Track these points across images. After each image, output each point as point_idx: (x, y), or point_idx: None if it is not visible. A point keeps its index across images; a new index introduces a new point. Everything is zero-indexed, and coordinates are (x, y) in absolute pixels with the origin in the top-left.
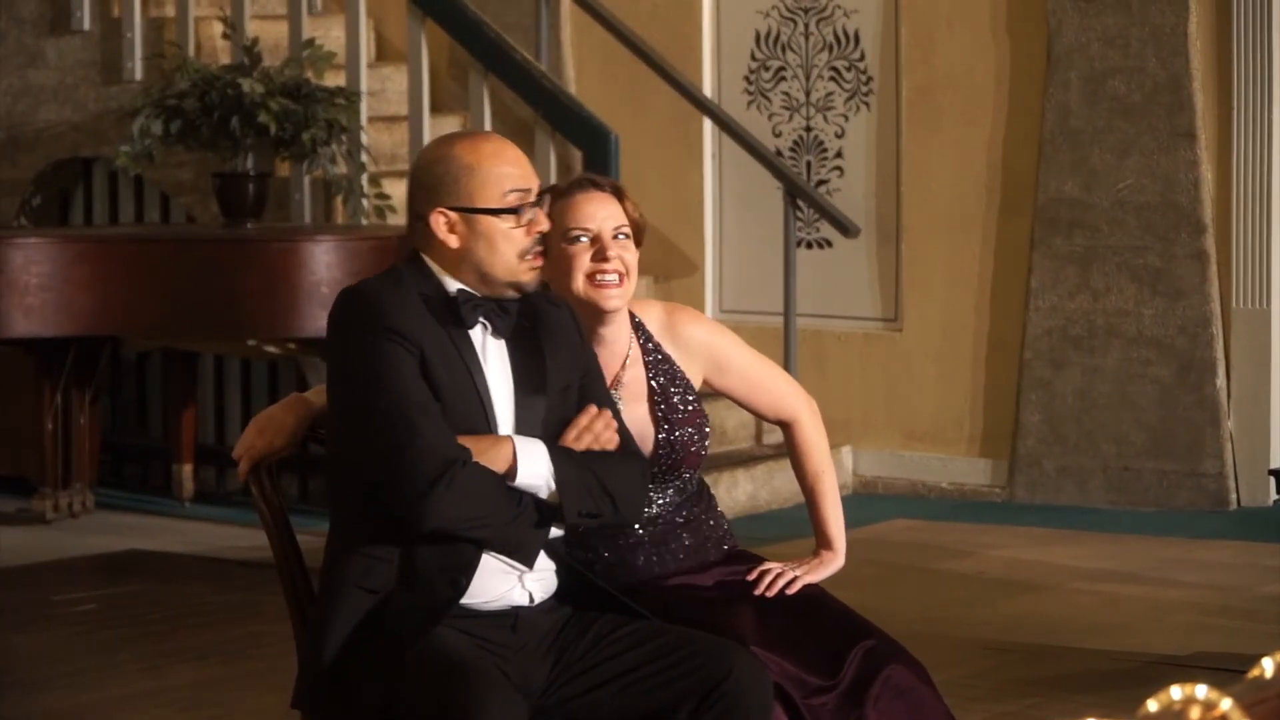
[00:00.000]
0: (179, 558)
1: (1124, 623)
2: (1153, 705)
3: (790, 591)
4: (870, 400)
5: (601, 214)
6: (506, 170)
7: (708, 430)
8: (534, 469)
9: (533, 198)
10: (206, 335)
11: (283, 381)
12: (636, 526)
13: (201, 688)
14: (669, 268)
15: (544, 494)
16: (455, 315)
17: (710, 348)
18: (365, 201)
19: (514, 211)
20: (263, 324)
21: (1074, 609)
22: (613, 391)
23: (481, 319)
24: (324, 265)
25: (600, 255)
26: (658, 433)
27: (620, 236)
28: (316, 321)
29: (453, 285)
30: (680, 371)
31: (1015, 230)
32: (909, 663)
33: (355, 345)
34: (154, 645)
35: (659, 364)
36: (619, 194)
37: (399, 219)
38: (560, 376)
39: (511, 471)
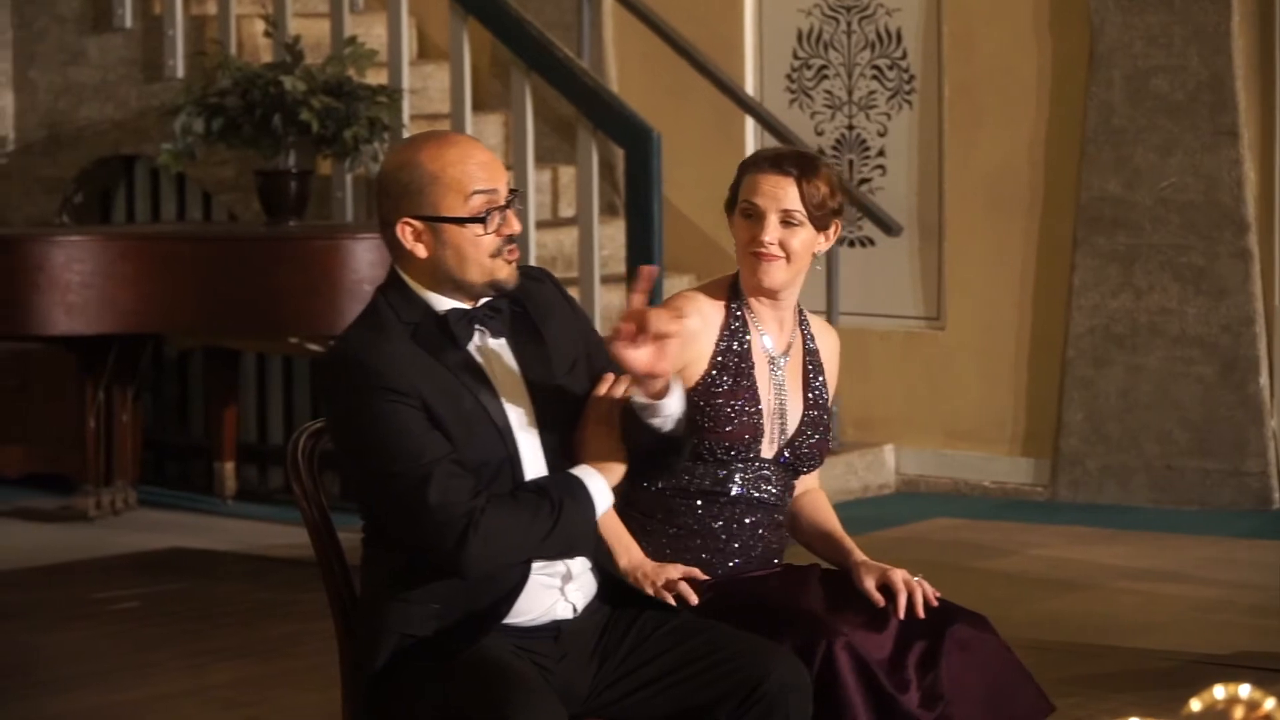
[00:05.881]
0: (220, 555)
1: (1166, 622)
2: (1196, 704)
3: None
4: (912, 399)
5: (769, 196)
6: (471, 173)
7: (832, 434)
8: (677, 394)
9: (501, 200)
10: (248, 333)
11: None
12: (746, 518)
13: (241, 686)
14: (710, 266)
15: (669, 426)
16: (450, 336)
17: (835, 369)
18: None
19: (480, 220)
20: (304, 322)
21: (1116, 608)
22: (771, 370)
23: (476, 328)
24: (366, 263)
25: (757, 235)
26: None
27: (790, 223)
28: None
29: (442, 304)
30: (825, 374)
31: (1057, 229)
32: (971, 620)
33: (355, 413)
34: (195, 643)
35: (814, 357)
36: (804, 174)
37: None
38: (565, 357)
39: (667, 390)
